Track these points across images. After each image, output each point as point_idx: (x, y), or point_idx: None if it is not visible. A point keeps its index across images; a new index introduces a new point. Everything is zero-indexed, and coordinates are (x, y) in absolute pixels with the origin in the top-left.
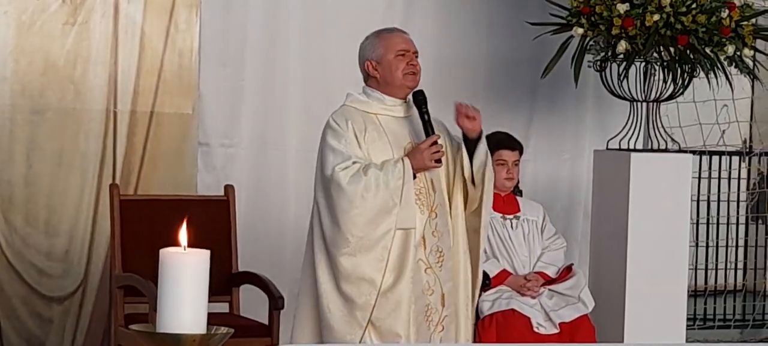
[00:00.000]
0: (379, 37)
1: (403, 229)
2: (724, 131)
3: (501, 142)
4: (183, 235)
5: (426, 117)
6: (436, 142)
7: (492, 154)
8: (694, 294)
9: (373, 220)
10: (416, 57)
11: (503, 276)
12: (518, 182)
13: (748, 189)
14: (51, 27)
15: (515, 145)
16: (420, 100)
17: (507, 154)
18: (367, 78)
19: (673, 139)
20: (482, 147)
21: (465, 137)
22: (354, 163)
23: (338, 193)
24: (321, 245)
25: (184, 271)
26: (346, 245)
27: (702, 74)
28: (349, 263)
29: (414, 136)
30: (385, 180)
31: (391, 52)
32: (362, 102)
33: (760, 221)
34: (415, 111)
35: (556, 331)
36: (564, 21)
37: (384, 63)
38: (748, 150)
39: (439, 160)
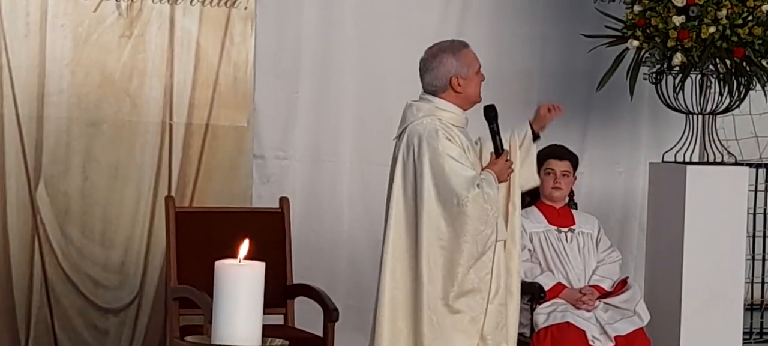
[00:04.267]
0: (461, 53)
1: (500, 240)
2: None
3: (549, 151)
4: (244, 251)
5: (497, 132)
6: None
7: (541, 164)
8: (750, 307)
9: (493, 233)
10: None
11: (558, 289)
12: (573, 194)
13: None
14: (107, 40)
15: (563, 155)
16: (492, 115)
17: (554, 163)
18: (444, 91)
19: (729, 152)
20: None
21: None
22: (482, 178)
23: (474, 208)
24: (437, 259)
25: (240, 283)
26: (473, 260)
27: (758, 87)
28: (469, 277)
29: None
30: (496, 194)
31: (473, 70)
32: (445, 113)
33: None
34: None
35: (611, 344)
36: (619, 33)
37: (469, 79)
38: None
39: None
